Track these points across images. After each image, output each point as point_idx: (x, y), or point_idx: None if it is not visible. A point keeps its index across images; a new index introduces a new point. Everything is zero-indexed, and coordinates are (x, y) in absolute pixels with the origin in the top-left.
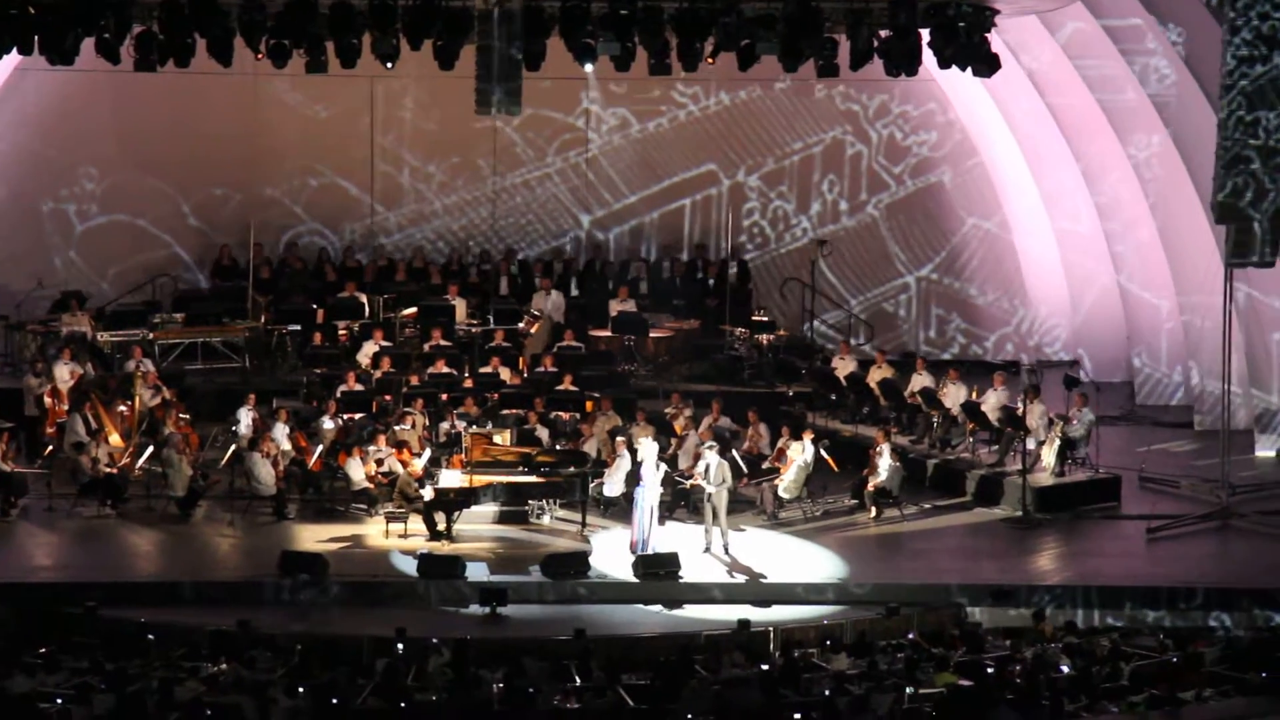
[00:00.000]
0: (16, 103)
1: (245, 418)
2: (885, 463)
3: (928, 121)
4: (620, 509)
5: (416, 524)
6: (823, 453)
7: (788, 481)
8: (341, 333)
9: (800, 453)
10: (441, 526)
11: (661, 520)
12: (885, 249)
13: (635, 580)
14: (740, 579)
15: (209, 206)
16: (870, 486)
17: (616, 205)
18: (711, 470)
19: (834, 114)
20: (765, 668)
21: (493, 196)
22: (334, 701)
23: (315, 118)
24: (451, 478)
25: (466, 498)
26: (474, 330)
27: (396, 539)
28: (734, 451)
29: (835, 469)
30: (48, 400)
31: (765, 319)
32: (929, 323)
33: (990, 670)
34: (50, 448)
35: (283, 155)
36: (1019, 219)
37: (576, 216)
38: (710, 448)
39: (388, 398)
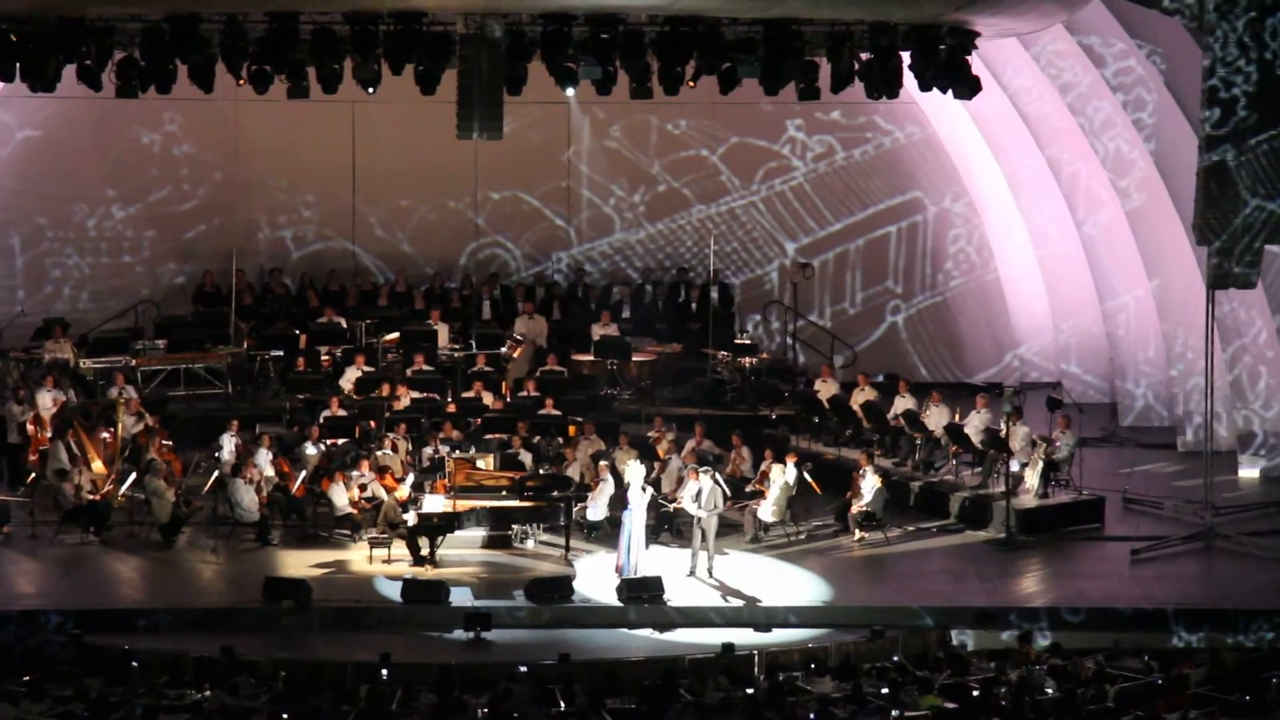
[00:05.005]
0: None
1: (228, 444)
2: (868, 485)
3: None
4: (604, 533)
5: (400, 549)
6: (806, 475)
7: (770, 504)
8: (324, 358)
9: (781, 474)
10: (425, 551)
11: (646, 544)
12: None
13: (620, 604)
14: (732, 602)
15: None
16: (854, 509)
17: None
18: (704, 495)
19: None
20: (750, 691)
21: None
22: None
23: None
24: (435, 503)
25: (450, 522)
26: (456, 355)
27: (380, 564)
28: (717, 475)
29: (818, 492)
30: (30, 428)
31: (748, 342)
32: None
33: (975, 693)
34: (33, 475)
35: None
36: None
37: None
38: (706, 472)
39: (371, 423)
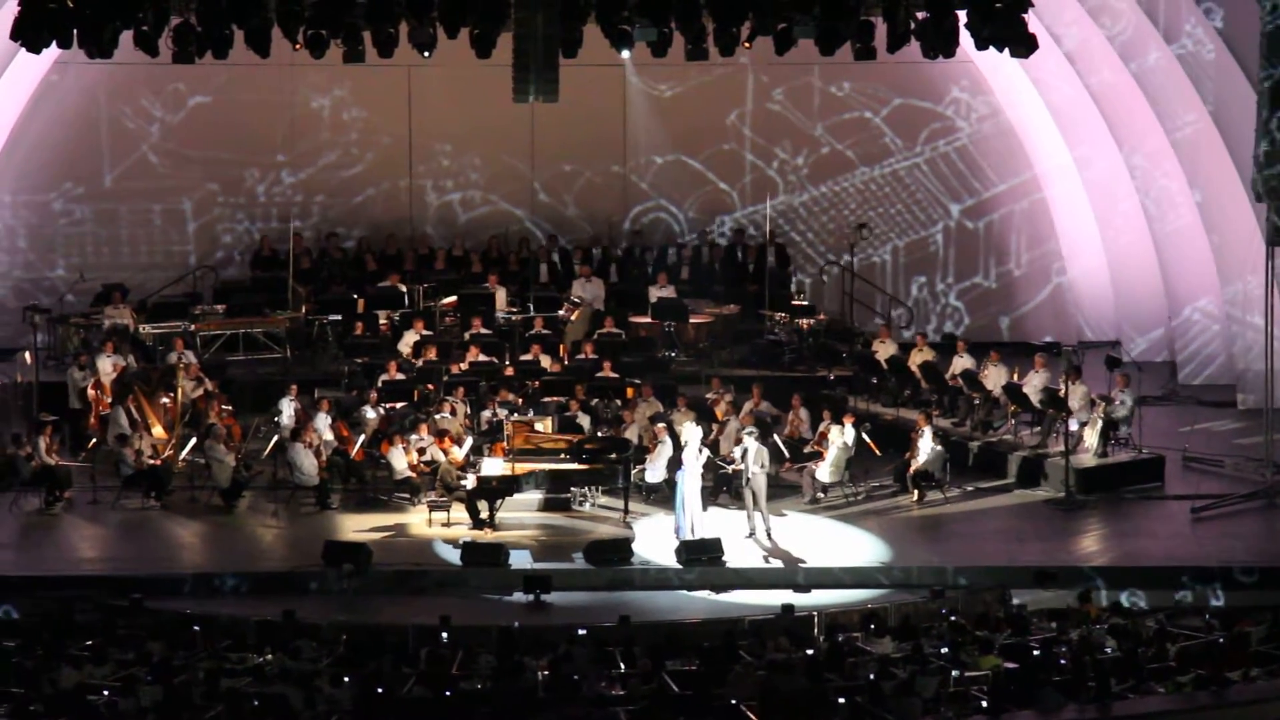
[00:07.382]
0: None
1: (287, 408)
2: (927, 445)
3: None
4: (663, 495)
5: (459, 512)
6: (864, 436)
7: (828, 465)
8: (382, 323)
9: (839, 435)
10: (484, 515)
11: (704, 506)
12: None
13: (679, 566)
14: (783, 564)
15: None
16: (912, 469)
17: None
18: (749, 455)
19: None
20: (810, 652)
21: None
22: (379, 690)
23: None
24: (494, 466)
25: (509, 486)
26: (514, 318)
27: (439, 528)
28: (775, 436)
29: (877, 452)
30: (91, 393)
31: (805, 303)
32: None
33: (1036, 652)
34: (94, 441)
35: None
36: None
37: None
38: (750, 433)
39: (430, 387)
